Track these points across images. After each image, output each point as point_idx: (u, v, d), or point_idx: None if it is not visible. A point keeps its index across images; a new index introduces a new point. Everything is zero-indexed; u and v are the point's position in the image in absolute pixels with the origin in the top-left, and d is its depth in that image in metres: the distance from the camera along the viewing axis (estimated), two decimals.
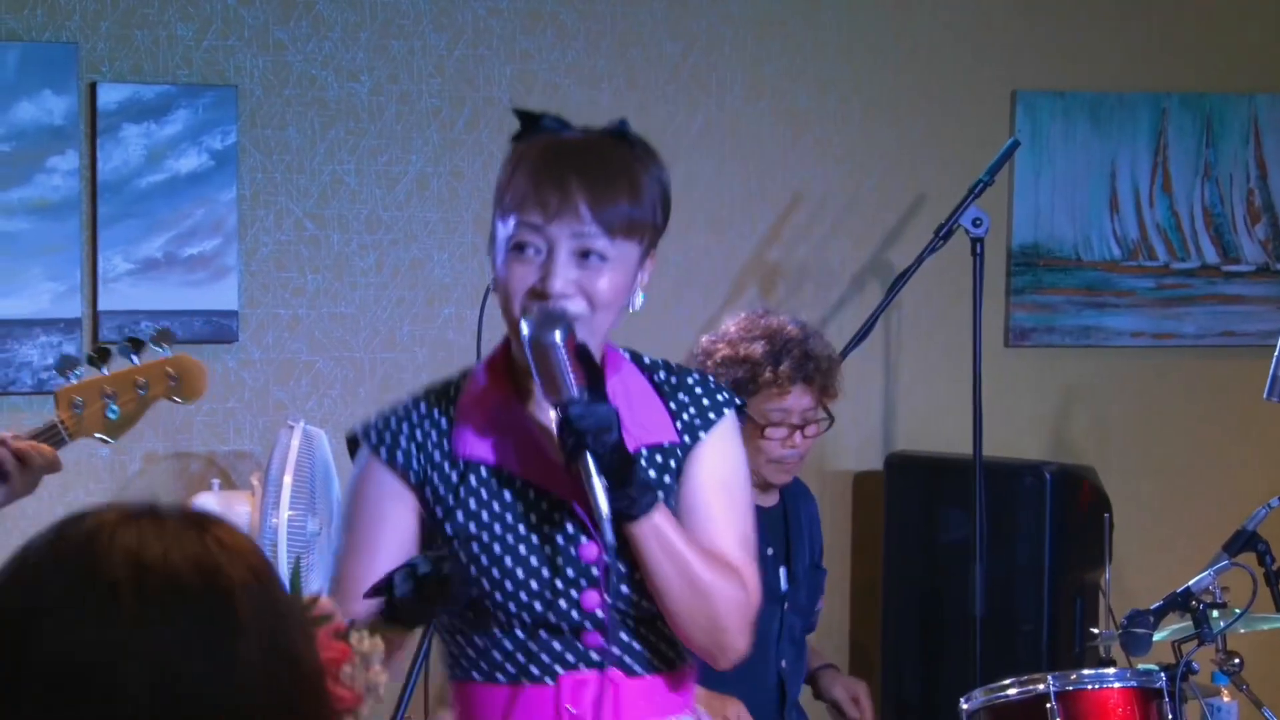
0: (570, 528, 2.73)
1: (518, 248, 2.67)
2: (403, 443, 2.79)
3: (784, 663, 4.16)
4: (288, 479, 4.37)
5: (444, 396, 2.81)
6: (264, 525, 4.36)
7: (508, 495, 2.75)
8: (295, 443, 4.41)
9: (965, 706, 3.94)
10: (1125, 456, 5.47)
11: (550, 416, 2.69)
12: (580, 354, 2.63)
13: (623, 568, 2.72)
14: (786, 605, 4.15)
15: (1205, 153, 5.51)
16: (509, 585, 2.71)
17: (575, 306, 2.66)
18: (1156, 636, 3.95)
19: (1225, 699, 4.14)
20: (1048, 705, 3.93)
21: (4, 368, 4.67)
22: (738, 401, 2.85)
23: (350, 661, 1.72)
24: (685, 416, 2.81)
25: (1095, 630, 4.17)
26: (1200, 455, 5.56)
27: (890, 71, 5.33)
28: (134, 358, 3.47)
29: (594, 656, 2.74)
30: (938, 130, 5.35)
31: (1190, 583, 3.98)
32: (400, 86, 4.96)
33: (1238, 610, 3.96)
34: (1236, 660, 4.05)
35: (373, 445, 2.81)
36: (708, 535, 2.76)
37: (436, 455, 2.77)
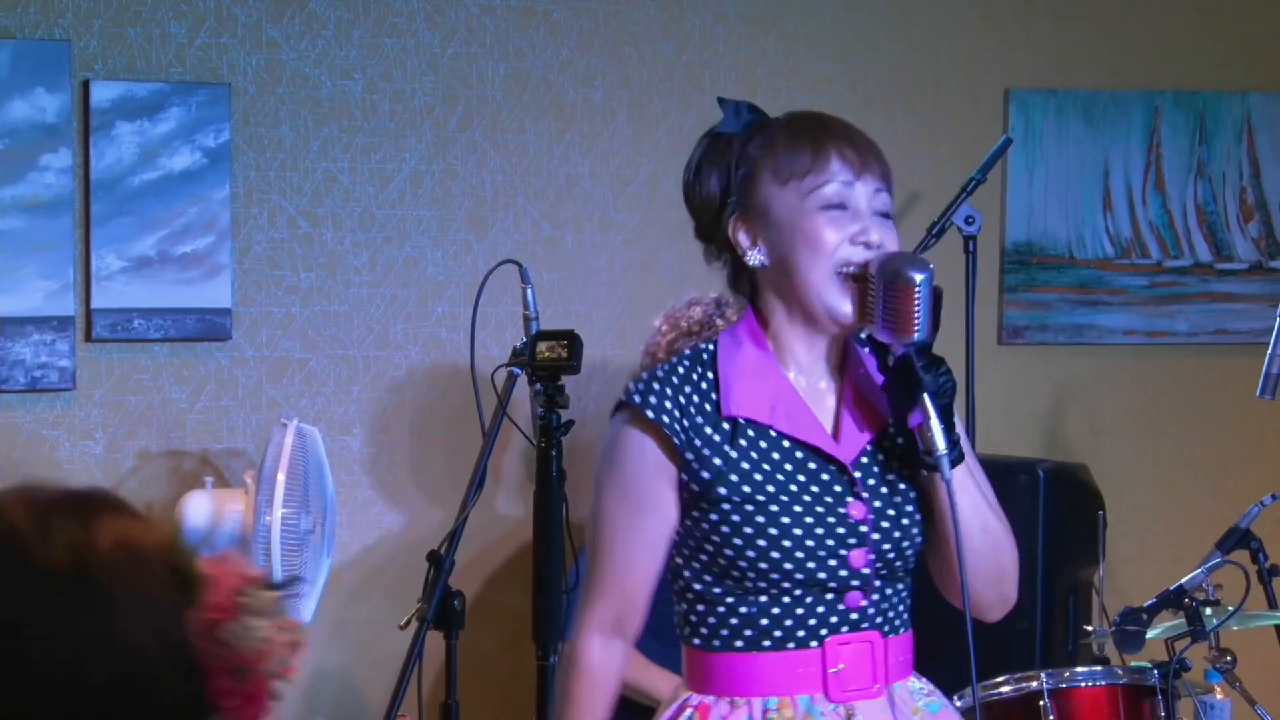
0: (838, 488, 2.81)
1: (831, 206, 2.81)
2: (668, 405, 2.82)
3: None
4: (281, 477, 4.37)
5: (698, 360, 2.86)
6: (257, 523, 4.35)
7: (776, 455, 2.81)
8: (289, 440, 4.41)
9: (959, 704, 3.94)
10: (1118, 454, 5.47)
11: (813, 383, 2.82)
12: (937, 301, 2.79)
13: (887, 526, 2.81)
14: None
15: (1198, 150, 5.51)
16: (786, 543, 2.76)
17: None
18: (1150, 634, 3.96)
19: (1218, 696, 4.15)
20: (1041, 703, 3.93)
21: None
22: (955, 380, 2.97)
23: (233, 620, 1.68)
24: None
25: (1089, 628, 4.18)
26: (1193, 453, 5.56)
27: (883, 69, 5.33)
28: None
29: (855, 617, 2.81)
30: (930, 128, 5.35)
31: (1183, 580, 3.99)
32: (393, 84, 4.95)
33: (1231, 607, 3.97)
34: (1229, 657, 4.05)
35: (638, 405, 2.82)
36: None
37: (699, 418, 2.81)
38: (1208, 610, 3.97)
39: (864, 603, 2.82)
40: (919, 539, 2.85)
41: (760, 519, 2.77)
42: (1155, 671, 3.95)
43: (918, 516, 2.84)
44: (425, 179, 4.99)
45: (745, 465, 2.79)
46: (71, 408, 4.76)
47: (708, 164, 2.89)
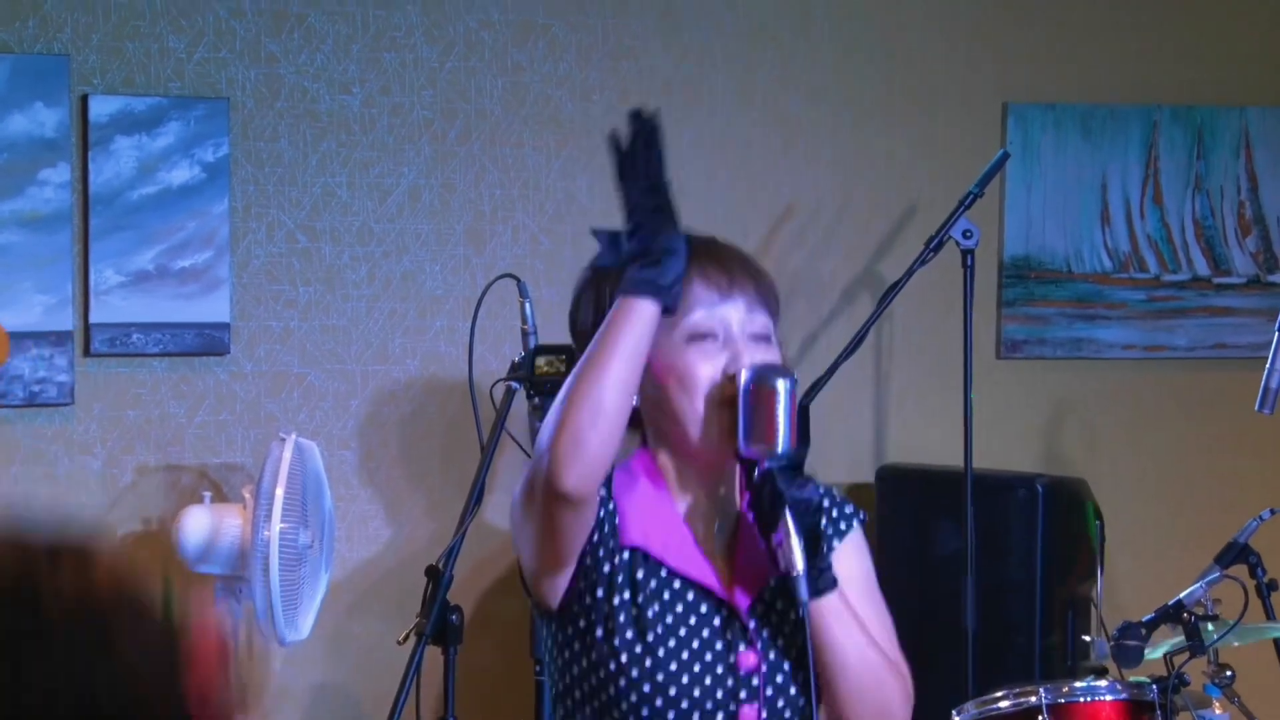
0: (730, 635, 2.68)
1: (697, 337, 2.68)
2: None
3: None
4: (279, 491, 4.36)
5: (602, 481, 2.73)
6: (256, 538, 4.35)
7: (667, 594, 2.69)
8: (287, 455, 4.41)
9: (958, 719, 3.94)
10: (1117, 468, 5.47)
11: (702, 516, 2.70)
12: (801, 413, 2.63)
13: (779, 680, 2.68)
14: None
15: (1196, 165, 5.52)
16: (672, 691, 2.65)
17: None
18: (1148, 649, 3.96)
19: (1217, 711, 4.14)
20: (1040, 718, 3.93)
21: None
22: (864, 515, 2.86)
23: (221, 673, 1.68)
24: (823, 523, 2.77)
25: (1087, 641, 4.18)
26: (1192, 467, 5.56)
27: (881, 83, 5.33)
28: None
29: None
30: (929, 142, 5.36)
31: (1182, 595, 3.99)
32: (392, 99, 4.96)
33: (1230, 622, 3.97)
34: (1228, 672, 4.05)
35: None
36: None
37: (600, 534, 2.71)
38: (1207, 625, 3.97)
39: None
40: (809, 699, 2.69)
41: (647, 663, 2.65)
42: (1154, 686, 3.94)
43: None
44: (423, 193, 4.99)
45: (640, 596, 2.67)
46: (70, 423, 4.75)
47: (585, 297, 2.76)
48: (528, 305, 4.20)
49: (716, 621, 2.69)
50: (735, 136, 5.23)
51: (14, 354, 4.67)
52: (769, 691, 2.68)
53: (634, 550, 2.70)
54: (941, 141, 5.36)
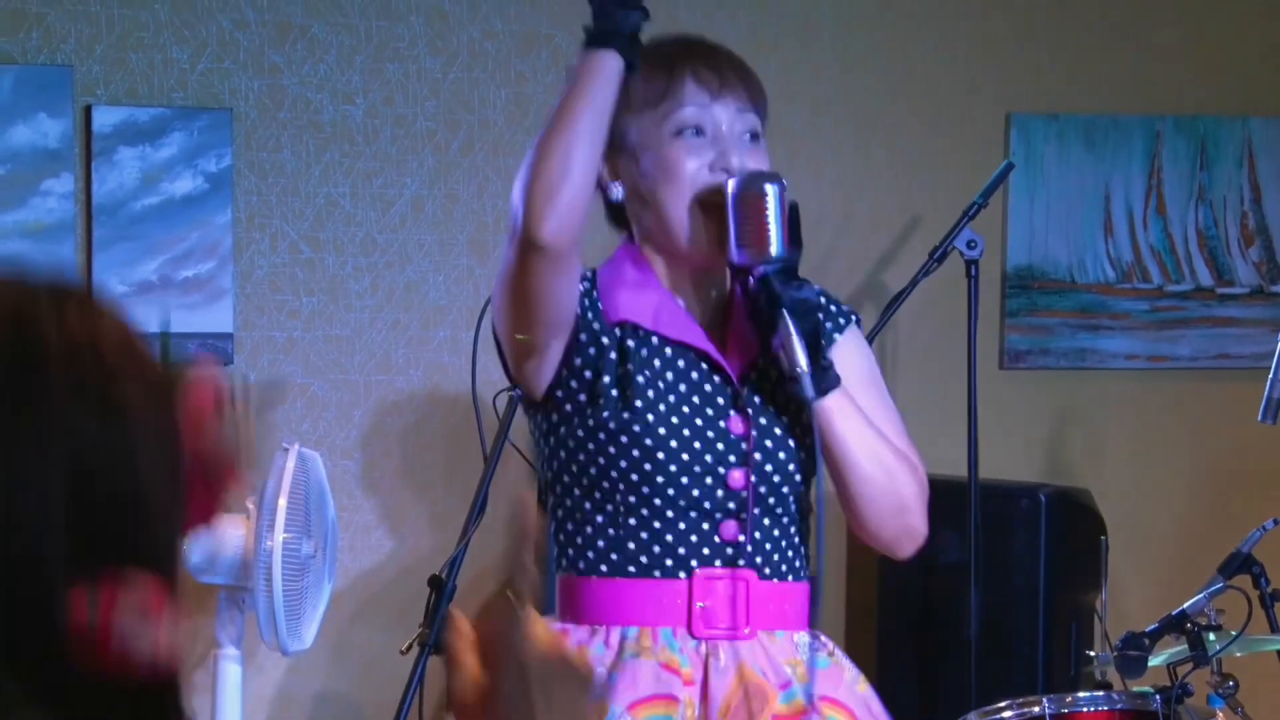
0: (721, 400, 2.70)
1: (686, 131, 2.69)
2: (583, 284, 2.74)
3: None
4: (282, 501, 4.36)
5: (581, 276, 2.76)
6: (258, 548, 4.35)
7: (657, 362, 2.72)
8: (290, 465, 4.40)
9: None
10: (1120, 479, 5.47)
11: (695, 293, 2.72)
12: (793, 216, 2.65)
13: (769, 445, 2.68)
14: None
15: (1199, 175, 5.52)
16: (661, 455, 2.66)
17: None
18: (1152, 659, 3.95)
19: None
20: None
21: None
22: (858, 315, 2.88)
23: (214, 418, 1.64)
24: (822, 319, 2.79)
25: (1091, 653, 4.17)
26: (1195, 478, 5.56)
27: (884, 94, 5.34)
28: None
29: (729, 551, 2.69)
30: (932, 153, 5.36)
31: (1185, 605, 3.98)
32: (395, 109, 4.96)
33: (1233, 632, 3.96)
34: (1232, 683, 4.04)
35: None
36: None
37: (584, 318, 2.73)
38: (1210, 635, 3.96)
39: (740, 536, 2.69)
40: (802, 472, 2.71)
41: (635, 428, 2.67)
42: (1158, 697, 3.94)
43: (806, 443, 2.70)
44: (427, 204, 4.99)
45: (630, 366, 2.69)
46: None
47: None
48: None
49: (707, 387, 2.71)
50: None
51: None
52: (758, 456, 2.69)
53: (623, 324, 2.73)
54: (944, 153, 5.36)
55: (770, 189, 2.63)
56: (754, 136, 2.73)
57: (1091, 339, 5.47)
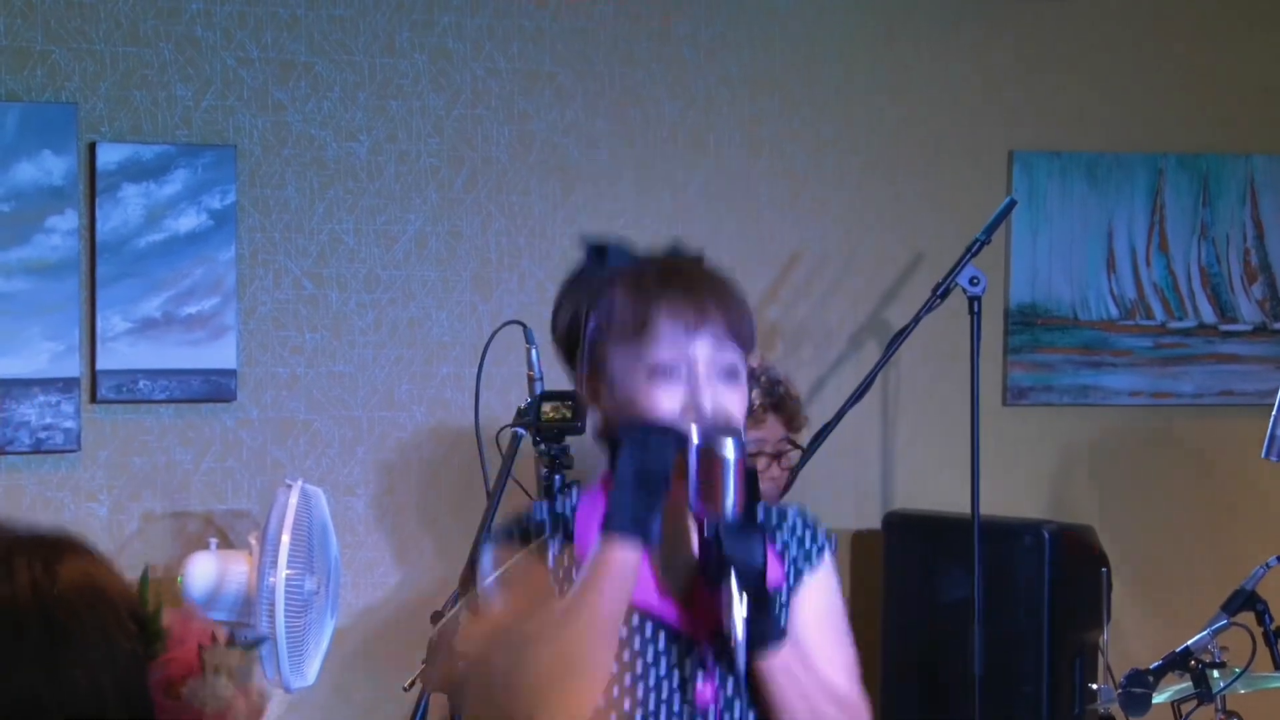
0: (688, 666, 2.67)
1: (658, 371, 2.63)
2: (547, 544, 2.70)
3: None
4: (285, 538, 4.36)
5: (560, 516, 2.72)
6: (261, 584, 4.35)
7: (623, 629, 2.66)
8: (293, 502, 4.41)
9: None
10: (1124, 515, 5.46)
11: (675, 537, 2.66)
12: (748, 475, 2.59)
13: (736, 711, 2.67)
14: None
15: (1202, 212, 5.52)
16: None
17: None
18: (1156, 697, 3.95)
19: None
20: None
21: (2, 427, 4.66)
22: (834, 537, 2.83)
23: (196, 678, 1.62)
24: (789, 555, 2.76)
25: (1095, 689, 4.16)
26: (1198, 514, 5.55)
27: (887, 131, 5.34)
28: None
29: None
30: (935, 190, 5.36)
31: (1189, 642, 3.98)
32: (399, 146, 4.97)
33: (1237, 670, 3.96)
34: None
35: (525, 546, 2.70)
36: (820, 670, 2.71)
37: (561, 566, 2.69)
38: (1214, 673, 3.96)
39: None
40: None
41: (600, 700, 2.63)
42: None
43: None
44: (430, 240, 5.00)
45: None
46: (76, 469, 4.76)
47: (565, 305, 2.74)
48: (534, 352, 4.21)
49: (674, 654, 2.67)
50: (742, 185, 5.24)
51: (20, 400, 4.67)
52: (726, 717, 2.66)
53: None
54: (947, 189, 5.36)
55: (729, 449, 2.57)
56: (731, 373, 2.65)
57: (1094, 375, 5.46)
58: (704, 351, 2.63)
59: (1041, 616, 4.85)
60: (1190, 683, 3.96)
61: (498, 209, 5.04)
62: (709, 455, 2.57)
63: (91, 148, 4.73)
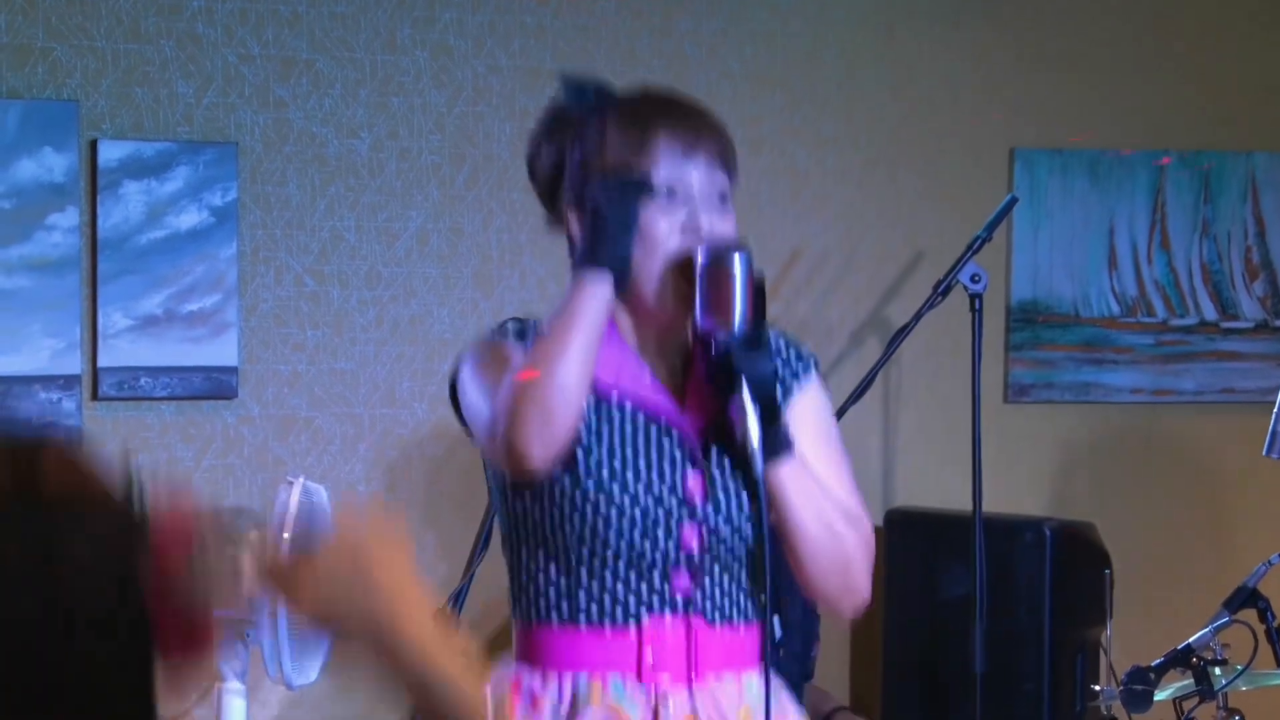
0: (677, 456, 2.73)
1: (658, 194, 2.72)
2: (525, 341, 2.77)
3: None
4: (287, 536, 4.36)
5: (534, 325, 2.82)
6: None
7: (616, 419, 2.74)
8: (294, 499, 4.40)
9: None
10: (1125, 513, 5.46)
11: (661, 352, 2.75)
12: (757, 289, 2.67)
13: (722, 500, 2.73)
14: (782, 653, 4.15)
15: (1203, 210, 5.52)
16: (613, 513, 2.69)
17: None
18: (1158, 694, 3.95)
19: None
20: None
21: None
22: (817, 359, 2.90)
23: (185, 567, 1.61)
24: (780, 371, 2.82)
25: (1096, 688, 4.17)
26: (1200, 511, 5.55)
27: (888, 128, 5.35)
28: None
29: (679, 599, 2.72)
30: (936, 187, 5.36)
31: (1191, 639, 3.98)
32: (400, 143, 4.97)
33: (1239, 667, 3.96)
34: (1238, 717, 4.04)
35: (492, 337, 2.81)
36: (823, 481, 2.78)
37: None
38: (1216, 670, 3.96)
39: (691, 586, 2.72)
40: (753, 525, 2.75)
41: (589, 484, 2.70)
42: None
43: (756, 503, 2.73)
44: (432, 237, 5.00)
45: (589, 424, 2.72)
46: None
47: (547, 140, 2.85)
48: None
49: (664, 443, 2.74)
50: (743, 182, 5.23)
51: (22, 397, 4.67)
52: (710, 511, 2.73)
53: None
54: (948, 187, 5.36)
55: (737, 263, 2.67)
56: (723, 197, 2.77)
57: (1096, 373, 5.47)
58: (698, 174, 2.73)
59: (1043, 614, 4.85)
60: (1192, 680, 3.96)
61: (499, 206, 5.04)
62: (717, 270, 2.65)
63: (93, 145, 4.73)
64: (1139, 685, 3.91)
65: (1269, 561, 4.18)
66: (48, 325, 4.68)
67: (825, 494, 2.75)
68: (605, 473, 2.70)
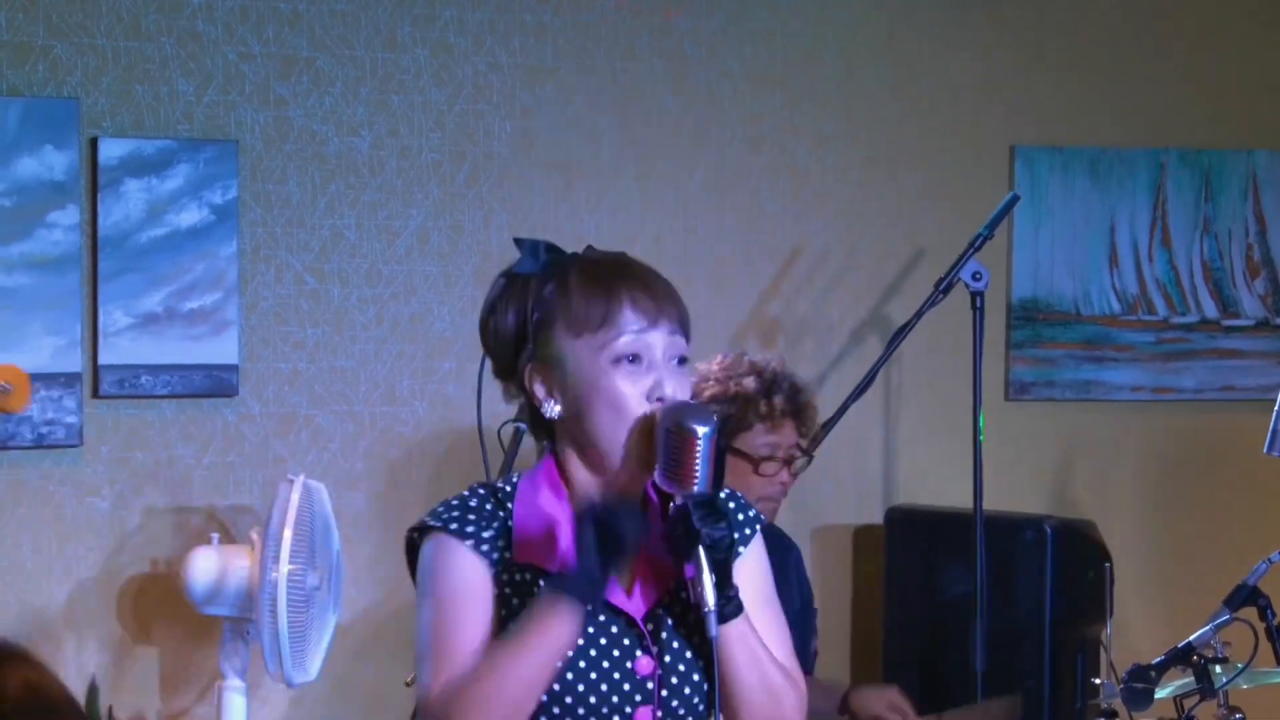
0: (627, 641, 2.76)
1: (625, 360, 2.76)
2: (483, 534, 2.80)
3: None
4: (288, 533, 4.36)
5: (497, 498, 2.84)
6: (264, 579, 4.35)
7: None
8: (295, 496, 4.40)
9: None
10: (1125, 511, 5.46)
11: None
12: (719, 455, 2.70)
13: (675, 682, 2.76)
14: None
15: (1204, 208, 5.52)
16: (568, 700, 2.72)
17: None
18: (1158, 692, 3.94)
19: None
20: None
21: (4, 422, 4.66)
22: (763, 518, 2.93)
23: None
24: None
25: (1097, 684, 4.16)
26: (1201, 510, 5.55)
27: (889, 126, 5.34)
28: None
29: None
30: (937, 185, 5.36)
31: (1191, 637, 3.98)
32: (400, 141, 4.97)
33: (1240, 665, 3.96)
34: (1239, 715, 4.04)
35: (452, 532, 2.82)
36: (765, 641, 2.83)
37: (500, 554, 2.79)
38: (1216, 668, 3.96)
39: None
40: (705, 701, 2.78)
41: None
42: None
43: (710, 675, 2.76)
44: (432, 235, 5.00)
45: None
46: (78, 464, 4.76)
47: (503, 304, 2.84)
48: None
49: (614, 629, 2.76)
50: (743, 180, 5.24)
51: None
52: (664, 693, 2.76)
53: (530, 566, 2.77)
54: (949, 184, 5.36)
55: (702, 430, 2.69)
56: (681, 360, 2.82)
57: (1096, 371, 5.47)
58: (661, 341, 2.78)
59: (1043, 612, 4.85)
60: (1192, 678, 3.95)
61: (499, 204, 5.04)
62: (681, 435, 2.69)
63: (93, 143, 4.72)
64: (1139, 683, 3.91)
65: (1270, 559, 4.17)
66: (48, 323, 4.67)
67: (769, 656, 2.81)
68: (558, 661, 2.73)
